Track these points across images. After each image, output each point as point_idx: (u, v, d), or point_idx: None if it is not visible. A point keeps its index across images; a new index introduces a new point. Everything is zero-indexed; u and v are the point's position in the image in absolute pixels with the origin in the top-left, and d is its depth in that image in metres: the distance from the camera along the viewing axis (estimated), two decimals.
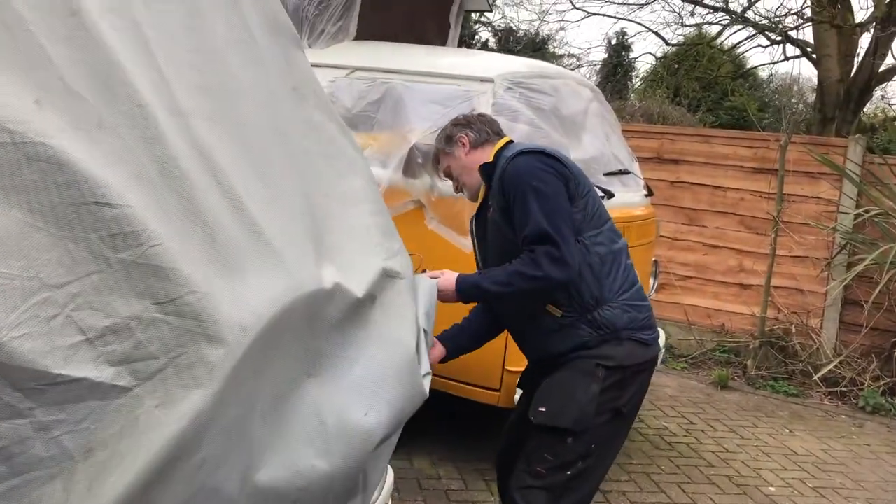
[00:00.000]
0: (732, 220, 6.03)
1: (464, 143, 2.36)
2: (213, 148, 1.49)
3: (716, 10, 15.20)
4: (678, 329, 6.06)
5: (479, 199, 2.38)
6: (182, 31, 1.61)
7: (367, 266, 1.70)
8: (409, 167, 3.21)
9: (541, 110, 3.34)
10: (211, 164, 1.46)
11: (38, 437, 1.23)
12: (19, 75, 1.29)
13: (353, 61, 3.68)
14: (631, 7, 15.57)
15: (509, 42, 17.67)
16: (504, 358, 3.22)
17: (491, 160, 2.29)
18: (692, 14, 14.23)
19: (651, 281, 4.29)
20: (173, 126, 1.43)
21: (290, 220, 1.55)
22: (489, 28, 18.34)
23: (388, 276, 1.75)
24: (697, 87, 15.35)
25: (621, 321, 2.13)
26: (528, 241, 2.06)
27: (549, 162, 2.13)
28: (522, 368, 3.16)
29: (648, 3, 13.93)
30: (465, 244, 3.22)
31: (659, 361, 2.25)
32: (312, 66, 3.91)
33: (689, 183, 6.16)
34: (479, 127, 2.38)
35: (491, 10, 5.17)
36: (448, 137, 2.39)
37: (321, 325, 1.53)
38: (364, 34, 4.00)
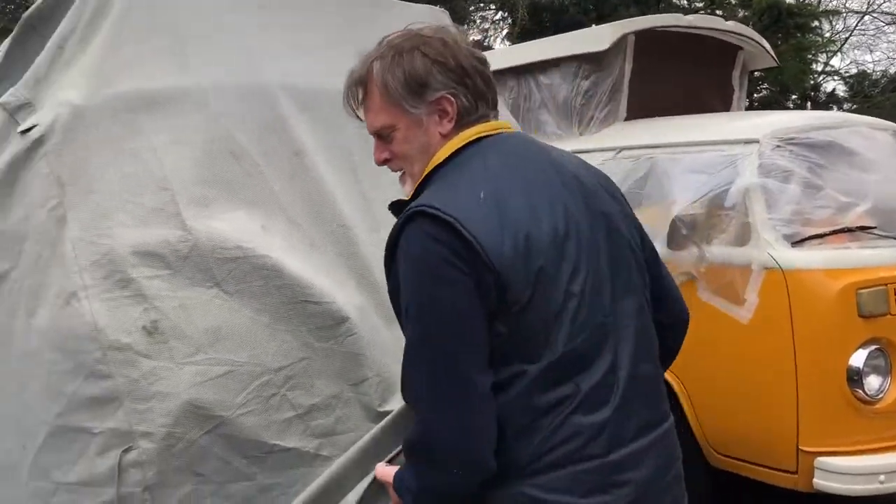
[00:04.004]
0: None
1: (447, 112, 1.34)
2: None
3: None
4: None
5: None
6: None
7: None
8: (674, 240, 3.17)
9: (819, 166, 3.10)
10: None
11: (261, 497, 1.52)
12: (252, 209, 1.67)
13: (618, 142, 3.77)
14: None
15: (863, 87, 16.12)
16: (797, 434, 2.92)
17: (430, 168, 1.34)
18: None
19: None
20: (368, 242, 1.71)
21: None
22: (836, 77, 16.86)
23: None
24: None
25: None
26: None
27: (452, 243, 1.19)
28: (821, 448, 2.84)
29: None
30: (741, 314, 3.06)
31: None
32: (581, 152, 4.07)
33: None
34: (475, 87, 1.34)
35: (777, 65, 4.88)
36: (418, 82, 1.31)
37: None
38: (637, 113, 4.08)
